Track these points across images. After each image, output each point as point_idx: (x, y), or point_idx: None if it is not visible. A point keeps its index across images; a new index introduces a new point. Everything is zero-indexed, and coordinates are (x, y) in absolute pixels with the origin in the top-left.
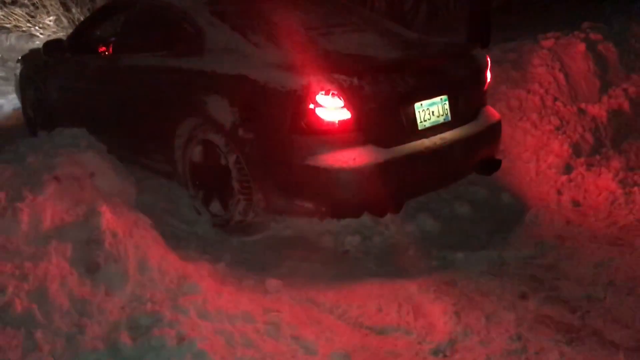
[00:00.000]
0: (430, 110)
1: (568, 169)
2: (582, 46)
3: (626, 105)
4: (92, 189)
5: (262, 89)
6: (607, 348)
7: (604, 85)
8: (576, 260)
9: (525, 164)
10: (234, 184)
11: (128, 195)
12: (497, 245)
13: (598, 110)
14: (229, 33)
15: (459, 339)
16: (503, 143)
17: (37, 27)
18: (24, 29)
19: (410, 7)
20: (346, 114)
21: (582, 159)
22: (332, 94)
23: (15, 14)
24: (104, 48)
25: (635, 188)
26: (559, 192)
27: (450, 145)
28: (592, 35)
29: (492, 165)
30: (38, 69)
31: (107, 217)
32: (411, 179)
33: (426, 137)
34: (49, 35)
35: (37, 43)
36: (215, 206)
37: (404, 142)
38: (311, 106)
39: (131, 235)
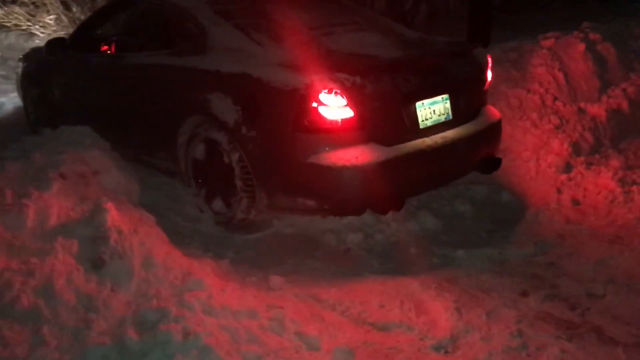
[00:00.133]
0: (432, 109)
1: (568, 167)
2: (581, 46)
3: (625, 105)
4: (97, 186)
5: (265, 87)
6: (607, 344)
7: (603, 85)
8: (576, 258)
9: (525, 162)
10: (236, 182)
11: (132, 192)
12: (498, 243)
13: (597, 109)
14: (232, 32)
15: (461, 335)
16: (503, 142)
17: (37, 26)
18: (24, 27)
19: (411, 7)
20: (349, 113)
21: (581, 158)
22: (335, 93)
23: (15, 13)
24: (106, 47)
25: (634, 187)
26: (559, 191)
27: (452, 144)
28: (592, 35)
29: (492, 164)
30: (40, 68)
31: (113, 214)
32: (413, 177)
33: (428, 135)
34: (49, 34)
35: (37, 42)
36: (218, 204)
37: (405, 141)
38: (314, 105)
39: (136, 232)
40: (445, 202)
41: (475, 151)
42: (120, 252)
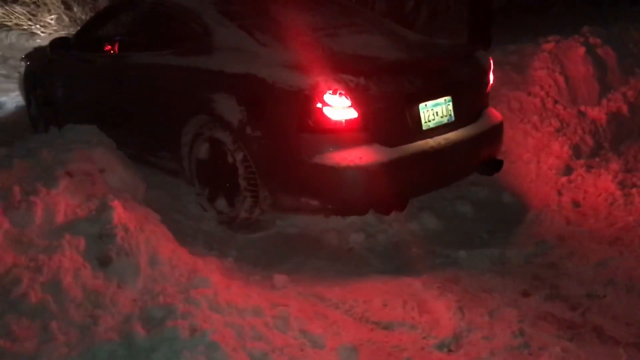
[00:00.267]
0: (435, 111)
1: (568, 170)
2: (582, 50)
3: (625, 109)
4: (103, 184)
5: (270, 88)
6: (608, 344)
7: (603, 89)
8: (576, 259)
9: (525, 164)
10: (240, 181)
11: (137, 191)
12: (499, 243)
13: (597, 113)
14: (236, 32)
15: (463, 334)
16: (504, 144)
17: (38, 26)
18: (24, 27)
19: (411, 9)
20: (353, 114)
21: (581, 161)
22: (340, 94)
23: (16, 12)
24: (111, 46)
25: (634, 190)
26: (559, 193)
27: (454, 146)
28: (592, 39)
29: (494, 165)
30: (43, 67)
31: (119, 212)
32: (415, 178)
33: (430, 137)
34: (50, 34)
35: (38, 41)
36: (221, 203)
37: (409, 142)
38: (319, 105)
39: (142, 230)
40: (447, 203)
41: (477, 153)
42: (126, 249)
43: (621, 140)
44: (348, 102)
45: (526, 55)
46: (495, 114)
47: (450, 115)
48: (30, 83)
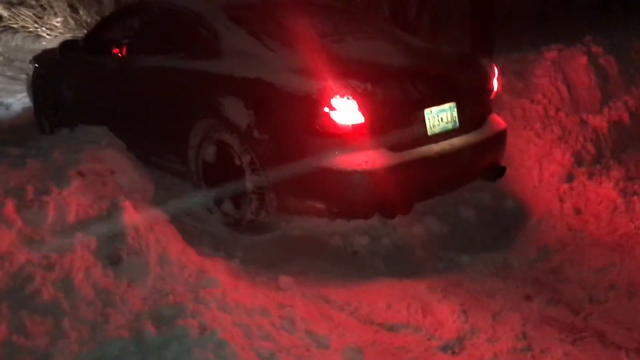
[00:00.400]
0: (440, 117)
1: (570, 177)
2: (584, 59)
3: (626, 117)
4: (113, 185)
5: (278, 92)
6: (610, 348)
7: (604, 97)
8: (578, 265)
9: (528, 171)
10: (247, 184)
11: (146, 192)
12: (502, 248)
13: (599, 121)
14: (245, 37)
15: (467, 336)
16: (507, 150)
17: (44, 28)
18: (30, 29)
19: (414, 17)
20: (360, 118)
21: (583, 168)
22: (347, 99)
23: (22, 15)
24: (120, 49)
25: (635, 197)
26: (561, 200)
27: (458, 151)
28: (594, 48)
29: (497, 171)
30: (52, 69)
31: (130, 212)
32: (420, 182)
33: (435, 142)
34: (55, 36)
35: (44, 44)
36: (227, 205)
37: (414, 147)
38: (326, 110)
39: (152, 230)
40: (450, 207)
41: (481, 159)
42: (136, 249)
43: (623, 149)
44: (355, 107)
45: (529, 63)
46: (499, 120)
47: (455, 121)
48: (39, 85)
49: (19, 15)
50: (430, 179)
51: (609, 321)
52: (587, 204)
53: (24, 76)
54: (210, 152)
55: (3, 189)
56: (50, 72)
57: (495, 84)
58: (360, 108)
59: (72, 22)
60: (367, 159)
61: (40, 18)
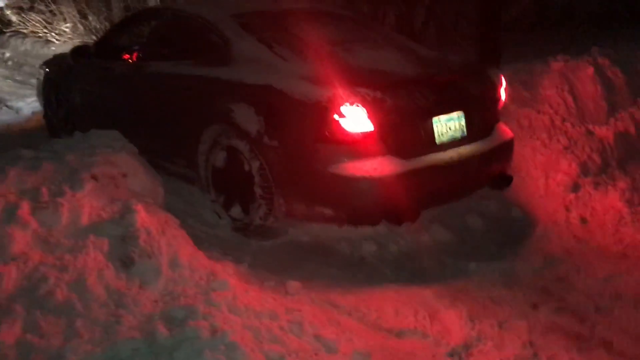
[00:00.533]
0: (448, 125)
1: (576, 187)
2: (590, 70)
3: (632, 129)
4: (125, 188)
5: (288, 99)
6: (616, 358)
7: (611, 108)
8: (584, 274)
9: (534, 181)
10: (256, 189)
11: (157, 195)
12: (508, 257)
13: (605, 132)
14: (255, 45)
15: (474, 343)
16: (514, 160)
17: (53, 34)
18: (40, 34)
19: (420, 26)
20: (369, 126)
21: (589, 178)
22: (356, 106)
23: (32, 20)
24: (131, 55)
25: None
26: (567, 209)
27: (466, 160)
28: (600, 60)
29: (504, 180)
30: (62, 74)
31: (142, 215)
32: (428, 190)
33: (443, 150)
34: (64, 42)
35: (53, 49)
36: (236, 210)
37: (422, 155)
38: (335, 117)
39: (163, 233)
40: (457, 216)
41: (488, 168)
42: (148, 251)
43: (628, 159)
44: (364, 115)
45: (536, 73)
46: (506, 130)
47: (462, 130)
48: (49, 89)
49: (28, 21)
50: (438, 187)
51: (615, 330)
52: (593, 213)
53: (33, 80)
54: (220, 158)
55: (18, 191)
56: (60, 77)
57: (503, 93)
58: (370, 116)
59: (81, 27)
60: (375, 166)
61: (49, 23)
